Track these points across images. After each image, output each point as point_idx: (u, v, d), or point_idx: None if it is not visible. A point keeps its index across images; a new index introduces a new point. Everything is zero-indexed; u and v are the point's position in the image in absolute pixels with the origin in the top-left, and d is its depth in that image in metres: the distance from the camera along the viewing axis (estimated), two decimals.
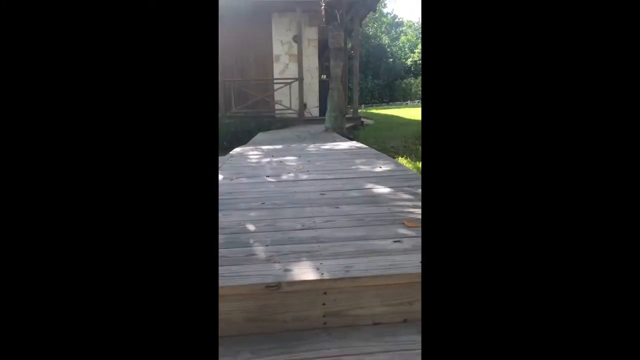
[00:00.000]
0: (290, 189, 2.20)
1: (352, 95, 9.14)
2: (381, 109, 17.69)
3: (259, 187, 2.25)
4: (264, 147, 4.27)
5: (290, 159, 3.30)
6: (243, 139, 7.05)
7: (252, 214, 1.75)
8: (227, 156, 3.58)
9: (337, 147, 4.07)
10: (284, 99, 8.66)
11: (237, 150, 4.08)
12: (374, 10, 10.12)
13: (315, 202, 1.91)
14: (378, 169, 2.69)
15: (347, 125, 7.39)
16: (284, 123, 8.19)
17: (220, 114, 8.35)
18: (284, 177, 2.55)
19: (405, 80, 24.45)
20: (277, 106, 8.77)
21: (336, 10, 6.55)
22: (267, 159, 3.31)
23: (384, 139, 6.82)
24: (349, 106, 8.59)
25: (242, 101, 8.61)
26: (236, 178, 2.50)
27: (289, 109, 8.54)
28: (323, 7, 6.56)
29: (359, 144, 4.33)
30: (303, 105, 8.71)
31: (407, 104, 21.88)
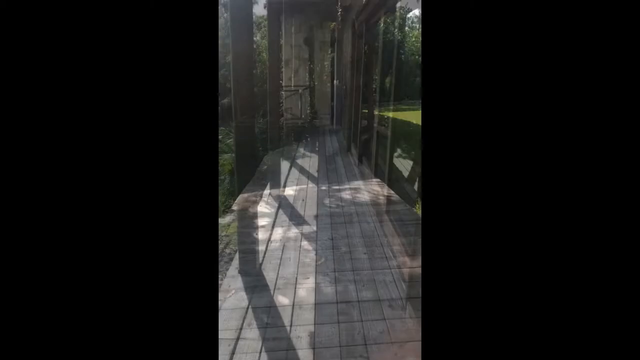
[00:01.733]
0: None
1: (368, 98, 8.37)
2: (395, 111, 16.89)
3: (256, 341, 1.54)
4: (274, 194, 3.58)
5: (305, 246, 2.60)
6: (249, 161, 6.39)
7: None
8: (228, 219, 2.89)
9: (360, 199, 3.36)
10: (294, 107, 7.96)
11: (240, 199, 3.39)
12: (393, 11, 9.33)
13: None
14: None
15: (363, 137, 6.66)
16: (295, 136, 7.51)
17: (225, 123, 7.70)
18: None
19: (418, 78, 23.45)
20: (286, 115, 8.08)
21: (354, 17, 5.78)
22: (278, 241, 2.62)
23: (406, 162, 6.13)
24: (364, 107, 7.85)
25: (249, 110, 7.92)
26: (234, 292, 1.82)
27: (299, 118, 7.85)
28: (340, 12, 5.80)
29: (387, 191, 3.62)
30: (314, 113, 8.01)
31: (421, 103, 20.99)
